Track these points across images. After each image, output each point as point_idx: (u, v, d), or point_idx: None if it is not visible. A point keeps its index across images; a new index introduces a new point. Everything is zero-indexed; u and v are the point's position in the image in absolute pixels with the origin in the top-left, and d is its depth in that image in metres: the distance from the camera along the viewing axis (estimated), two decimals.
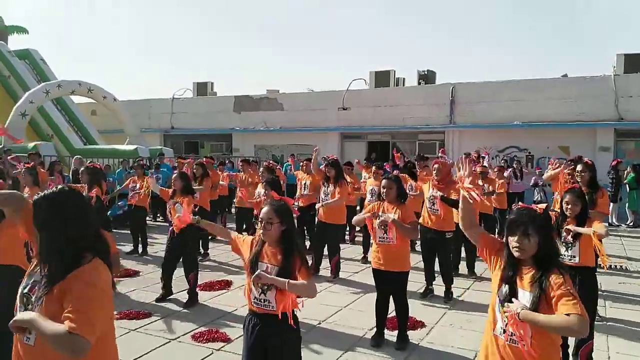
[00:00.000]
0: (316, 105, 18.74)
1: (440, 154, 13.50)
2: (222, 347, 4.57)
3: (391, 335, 4.74)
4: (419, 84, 18.37)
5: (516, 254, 2.29)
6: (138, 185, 8.70)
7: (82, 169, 7.31)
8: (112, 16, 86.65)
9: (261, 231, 2.86)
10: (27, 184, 7.17)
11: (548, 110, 15.14)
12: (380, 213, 4.59)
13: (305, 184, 8.24)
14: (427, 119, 16.87)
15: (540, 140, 15.35)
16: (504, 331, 2.28)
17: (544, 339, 2.22)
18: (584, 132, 14.93)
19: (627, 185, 12.57)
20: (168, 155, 14.49)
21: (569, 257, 4.01)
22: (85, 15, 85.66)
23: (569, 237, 4.00)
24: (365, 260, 7.83)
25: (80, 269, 1.92)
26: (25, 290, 2.01)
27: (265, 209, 2.89)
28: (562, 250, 3.96)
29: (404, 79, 19.51)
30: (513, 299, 2.27)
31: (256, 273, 2.77)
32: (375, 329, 4.74)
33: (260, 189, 7.23)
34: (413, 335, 4.79)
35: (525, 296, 2.26)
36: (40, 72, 20.10)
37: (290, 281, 2.71)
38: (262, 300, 2.83)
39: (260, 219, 2.88)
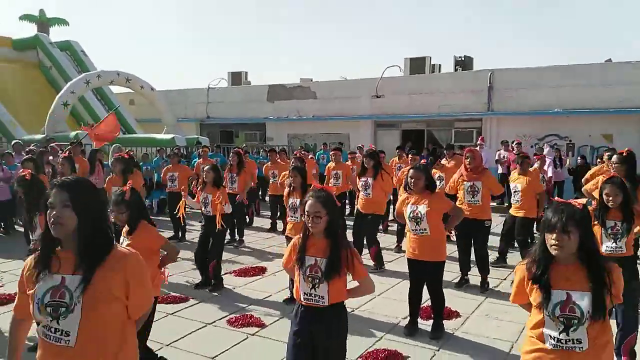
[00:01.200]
0: (349, 93, 18.61)
1: (479, 142, 13.31)
2: (257, 332, 4.65)
3: (425, 324, 4.71)
4: (456, 70, 17.97)
5: (554, 252, 2.19)
6: (177, 174, 8.89)
7: (112, 159, 7.47)
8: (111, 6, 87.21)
9: (309, 225, 2.80)
10: (65, 172, 7.46)
11: (590, 96, 14.56)
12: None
13: (336, 173, 8.20)
14: (464, 106, 16.50)
15: (582, 127, 14.79)
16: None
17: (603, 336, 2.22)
18: (629, 119, 14.28)
19: None
20: (205, 144, 14.75)
21: (618, 249, 3.83)
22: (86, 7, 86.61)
23: (618, 228, 3.82)
24: (399, 249, 7.76)
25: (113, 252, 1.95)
26: (47, 300, 1.86)
27: (311, 202, 2.79)
28: (610, 242, 3.80)
29: (439, 65, 19.12)
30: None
31: None
32: (408, 318, 4.72)
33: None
34: (448, 325, 4.74)
35: (574, 296, 2.19)
36: (81, 63, 20.77)
37: (352, 292, 2.96)
38: (313, 295, 2.81)
39: (307, 213, 2.79)
